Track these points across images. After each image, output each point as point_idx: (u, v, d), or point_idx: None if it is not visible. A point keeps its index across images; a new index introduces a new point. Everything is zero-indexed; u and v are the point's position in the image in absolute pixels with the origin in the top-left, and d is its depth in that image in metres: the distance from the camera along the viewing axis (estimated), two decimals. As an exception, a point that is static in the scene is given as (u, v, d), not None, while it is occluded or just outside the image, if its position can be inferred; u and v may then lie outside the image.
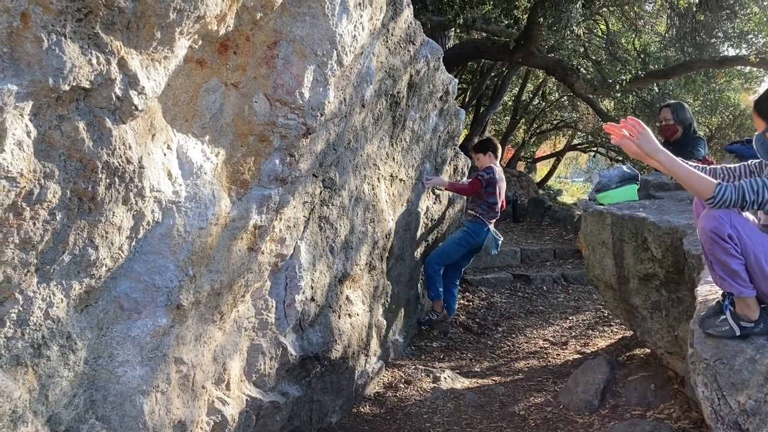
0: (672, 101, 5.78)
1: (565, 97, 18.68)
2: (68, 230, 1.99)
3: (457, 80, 5.79)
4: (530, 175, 21.83)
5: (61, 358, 2.10)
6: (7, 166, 1.75)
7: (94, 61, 1.89)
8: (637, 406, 4.25)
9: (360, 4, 3.01)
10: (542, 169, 25.52)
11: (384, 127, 4.53)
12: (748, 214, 2.57)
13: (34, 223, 1.89)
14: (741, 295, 2.42)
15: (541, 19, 7.59)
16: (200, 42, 2.39)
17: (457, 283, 6.19)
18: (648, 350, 4.85)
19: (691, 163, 2.60)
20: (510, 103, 19.89)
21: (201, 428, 2.88)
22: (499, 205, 5.91)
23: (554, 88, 18.73)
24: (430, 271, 5.84)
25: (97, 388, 2.29)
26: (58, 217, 1.95)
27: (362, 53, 3.34)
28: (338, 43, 2.87)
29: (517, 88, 19.13)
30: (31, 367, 2.00)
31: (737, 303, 2.47)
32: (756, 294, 2.43)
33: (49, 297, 2.02)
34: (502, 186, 5.94)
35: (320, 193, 3.59)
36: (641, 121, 2.48)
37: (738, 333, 2.47)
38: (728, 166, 2.63)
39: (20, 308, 1.94)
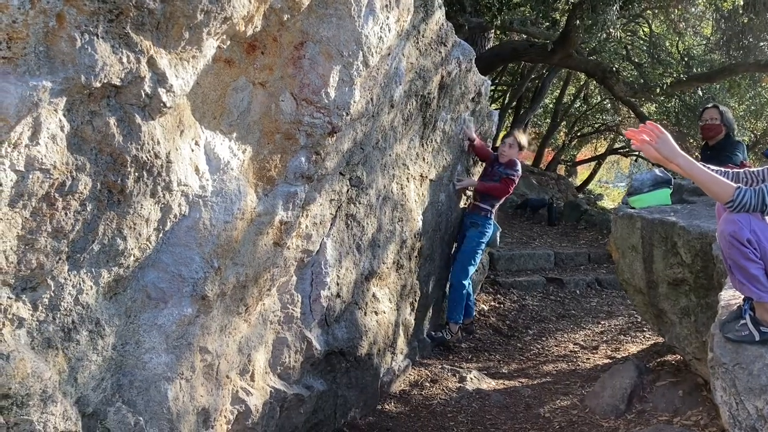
0: (717, 103, 5.67)
1: (606, 100, 18.46)
2: (98, 221, 2.09)
3: (489, 82, 5.80)
4: (570, 179, 21.65)
5: (90, 343, 2.21)
6: (41, 159, 1.86)
7: (124, 59, 1.99)
8: (664, 412, 4.21)
9: (387, 6, 3.07)
10: (583, 172, 25.23)
11: (414, 127, 4.58)
12: (770, 219, 2.54)
13: (66, 213, 1.99)
14: (760, 300, 2.41)
15: (578, 21, 7.53)
16: (228, 42, 2.47)
17: (470, 283, 5.93)
18: (679, 356, 4.80)
19: (713, 167, 2.60)
20: (551, 105, 19.76)
21: (225, 417, 2.97)
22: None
23: (595, 91, 18.54)
24: (461, 291, 5.56)
25: (124, 373, 2.39)
26: (88, 208, 2.05)
27: (389, 54, 3.40)
28: (364, 44, 2.94)
29: (558, 91, 19.01)
30: (61, 350, 2.11)
31: (757, 308, 2.46)
32: (776, 299, 2.41)
33: (79, 284, 2.12)
34: None
35: (347, 191, 3.66)
36: (660, 126, 2.48)
37: (758, 338, 2.46)
38: (751, 169, 2.61)
39: (52, 294, 2.04)
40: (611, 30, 7.08)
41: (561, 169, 22.12)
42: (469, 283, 5.73)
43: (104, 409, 2.31)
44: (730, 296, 2.89)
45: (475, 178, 5.97)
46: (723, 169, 2.63)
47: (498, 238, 5.94)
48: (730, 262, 2.42)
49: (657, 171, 5.04)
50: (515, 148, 5.64)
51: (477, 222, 5.66)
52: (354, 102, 3.02)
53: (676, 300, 4.21)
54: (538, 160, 19.43)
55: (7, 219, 1.85)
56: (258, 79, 2.69)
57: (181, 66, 2.22)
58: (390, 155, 4.19)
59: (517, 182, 5.74)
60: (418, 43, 4.16)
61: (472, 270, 5.67)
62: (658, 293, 4.35)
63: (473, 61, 5.22)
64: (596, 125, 20.78)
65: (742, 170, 2.64)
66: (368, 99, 3.36)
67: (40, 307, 2.02)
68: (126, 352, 2.39)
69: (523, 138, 5.79)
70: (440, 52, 4.55)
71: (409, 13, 3.42)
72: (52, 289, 2.04)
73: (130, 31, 1.98)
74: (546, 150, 20.73)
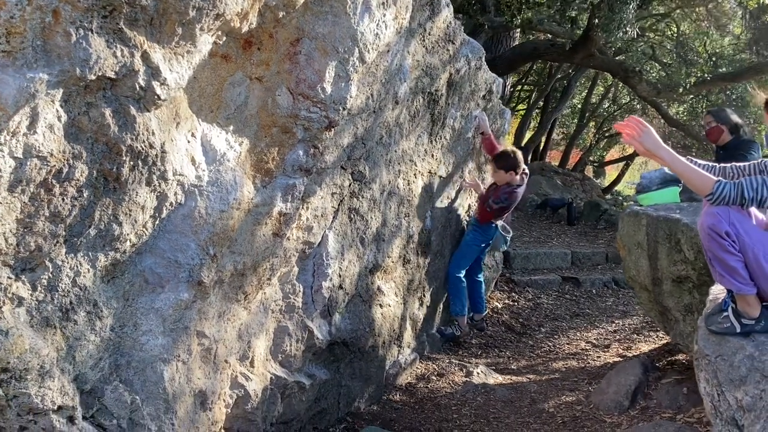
0: (712, 108, 5.80)
1: (635, 101, 18.28)
2: (94, 207, 2.21)
3: (501, 80, 5.84)
4: (599, 180, 21.46)
5: (88, 324, 2.32)
6: (39, 147, 1.97)
7: (118, 53, 2.10)
8: (667, 409, 4.22)
9: (383, 3, 3.15)
10: (612, 173, 24.96)
11: (422, 124, 4.65)
12: (757, 212, 2.57)
13: (63, 199, 2.10)
14: (740, 292, 2.44)
15: (596, 21, 7.53)
16: (224, 38, 2.57)
17: (481, 278, 5.92)
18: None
19: (701, 161, 2.63)
20: (579, 105, 19.63)
21: (224, 400, 3.08)
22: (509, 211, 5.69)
23: (623, 91, 18.38)
24: (454, 281, 5.58)
25: (122, 354, 2.50)
26: (85, 195, 2.16)
27: (389, 51, 3.47)
28: (360, 40, 3.02)
29: (586, 91, 18.90)
30: (59, 329, 2.23)
31: (738, 300, 2.49)
32: (757, 292, 2.44)
33: (77, 266, 2.24)
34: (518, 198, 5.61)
35: (349, 186, 3.74)
36: (643, 120, 2.53)
37: (739, 330, 2.49)
38: (738, 164, 2.63)
39: (50, 275, 2.16)
40: (628, 29, 7.06)
41: (589, 170, 21.94)
42: (481, 282, 5.83)
43: (102, 387, 2.43)
44: (719, 290, 2.92)
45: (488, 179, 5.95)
46: (710, 163, 2.66)
47: (501, 243, 5.83)
48: (709, 255, 2.45)
49: (666, 169, 5.04)
50: (500, 174, 5.33)
51: (471, 222, 5.76)
52: (350, 97, 3.10)
53: (680, 297, 4.22)
54: (564, 161, 19.31)
55: (7, 203, 1.96)
56: (254, 74, 2.79)
57: (176, 60, 2.33)
58: (395, 151, 4.27)
59: (506, 207, 5.49)
60: (424, 40, 4.24)
61: (463, 262, 5.61)
62: (663, 290, 4.36)
63: (483, 59, 5.27)
64: (624, 126, 20.51)
65: (729, 165, 2.67)
66: (368, 95, 3.44)
67: (39, 288, 2.14)
68: (124, 334, 2.50)
69: (502, 161, 5.33)
70: (448, 50, 4.62)
71: (408, 10, 3.49)
72: (50, 270, 2.16)
73: (123, 27, 2.09)
74: (573, 150, 20.61)
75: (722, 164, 2.67)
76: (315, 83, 2.91)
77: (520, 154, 5.39)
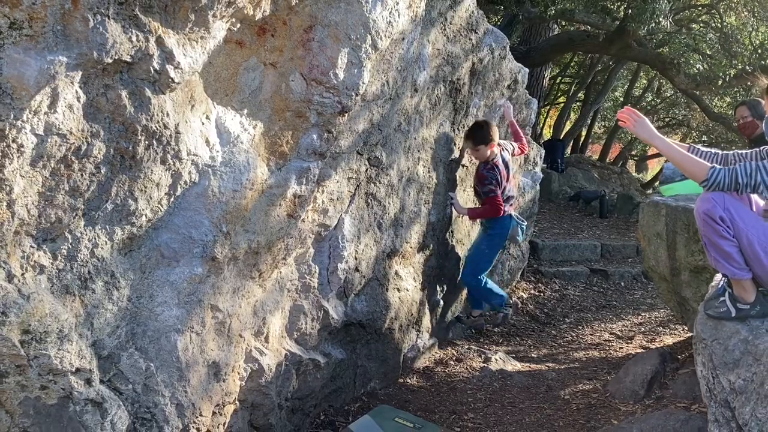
0: (747, 99, 5.64)
1: (679, 94, 17.94)
2: (111, 182, 2.35)
3: (527, 69, 5.85)
4: (640, 175, 21.16)
5: (105, 293, 2.48)
6: (59, 125, 2.12)
7: (133, 38, 2.23)
8: (683, 399, 4.22)
9: (396, -9, 3.23)
10: (655, 168, 24.61)
11: (444, 112, 4.72)
12: (758, 199, 2.58)
13: (82, 174, 2.25)
14: (735, 277, 2.46)
15: (630, 11, 7.45)
16: (239, 25, 2.69)
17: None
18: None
19: (703, 149, 2.66)
20: (622, 99, 19.37)
21: (238, 373, 3.21)
22: (510, 189, 5.17)
23: (667, 84, 18.05)
24: (477, 286, 5.31)
25: (138, 323, 2.65)
26: (102, 171, 2.31)
27: (404, 39, 3.55)
28: (372, 27, 3.10)
29: (629, 83, 18.65)
30: (78, 296, 2.38)
31: (734, 285, 2.51)
32: (752, 277, 2.46)
33: (95, 239, 2.39)
34: (508, 171, 5.11)
35: (366, 171, 3.84)
36: (636, 110, 2.58)
37: (734, 314, 2.51)
38: (740, 151, 2.65)
39: (69, 245, 2.32)
40: (661, 19, 6.98)
41: (632, 165, 21.65)
42: (485, 279, 5.40)
43: (118, 354, 2.58)
44: (721, 277, 2.93)
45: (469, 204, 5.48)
46: (712, 150, 2.68)
47: (517, 234, 5.37)
48: (705, 240, 2.48)
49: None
50: (481, 150, 4.88)
51: (482, 224, 5.41)
52: (363, 83, 3.19)
53: (698, 287, 4.22)
54: (605, 154, 19.09)
55: (29, 177, 2.12)
56: (269, 59, 2.90)
57: (189, 45, 2.46)
58: (415, 138, 4.35)
59: (498, 185, 4.97)
60: (445, 29, 4.30)
61: (484, 266, 5.30)
62: (681, 281, 4.36)
63: (507, 48, 5.30)
64: (666, 120, 20.21)
65: (731, 152, 2.69)
66: (383, 82, 3.53)
67: (59, 257, 2.30)
68: (140, 304, 2.65)
69: (479, 136, 4.85)
70: (470, 39, 4.67)
71: (422, -1, 3.57)
72: (70, 241, 2.31)
73: (138, 13, 2.22)
74: (615, 144, 20.37)
75: (725, 151, 2.69)
76: (328, 69, 3.02)
77: (491, 124, 4.96)
